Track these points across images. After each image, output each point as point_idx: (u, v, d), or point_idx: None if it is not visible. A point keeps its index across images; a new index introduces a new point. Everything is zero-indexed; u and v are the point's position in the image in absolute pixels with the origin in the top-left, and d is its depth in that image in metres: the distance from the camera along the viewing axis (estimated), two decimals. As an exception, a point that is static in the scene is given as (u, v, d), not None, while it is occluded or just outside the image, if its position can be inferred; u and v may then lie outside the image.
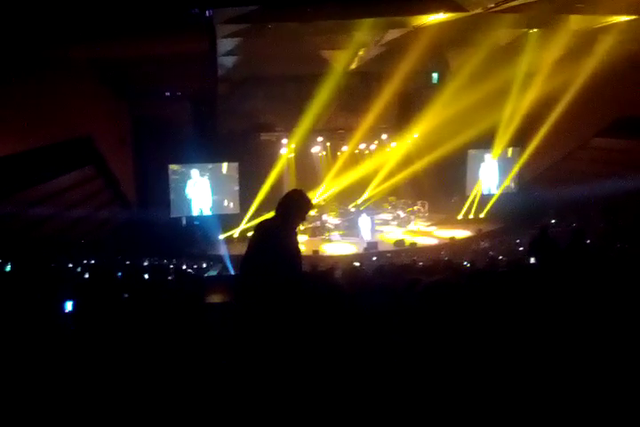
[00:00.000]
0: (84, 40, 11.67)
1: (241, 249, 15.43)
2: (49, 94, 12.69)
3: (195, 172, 19.07)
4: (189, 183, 19.01)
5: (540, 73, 16.87)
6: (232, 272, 13.04)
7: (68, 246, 12.81)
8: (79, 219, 13.97)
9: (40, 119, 12.36)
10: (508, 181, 21.34)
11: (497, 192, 21.26)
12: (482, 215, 20.86)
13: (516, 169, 21.04)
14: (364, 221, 18.60)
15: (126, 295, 6.98)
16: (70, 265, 10.11)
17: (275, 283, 3.71)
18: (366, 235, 18.36)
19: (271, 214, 4.00)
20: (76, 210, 13.74)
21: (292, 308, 3.68)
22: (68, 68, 13.31)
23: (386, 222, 20.83)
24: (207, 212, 19.21)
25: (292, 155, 20.53)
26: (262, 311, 3.66)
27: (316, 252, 16.24)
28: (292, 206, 3.86)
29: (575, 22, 14.26)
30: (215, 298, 7.25)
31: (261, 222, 4.06)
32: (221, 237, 17.97)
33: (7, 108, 11.18)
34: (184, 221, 19.06)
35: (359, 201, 20.72)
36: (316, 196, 19.82)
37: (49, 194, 12.82)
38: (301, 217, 3.92)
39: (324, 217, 19.75)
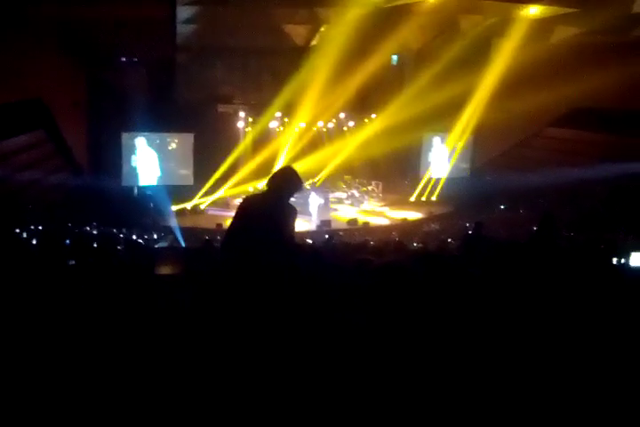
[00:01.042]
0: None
1: (194, 221, 15.38)
2: (2, 53, 12.31)
3: (141, 141, 18.67)
4: (138, 152, 18.65)
5: (498, 60, 17.17)
6: (182, 244, 13.00)
7: (15, 211, 12.52)
8: (28, 183, 13.66)
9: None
10: (452, 165, 21.75)
11: (449, 176, 21.67)
12: (434, 198, 21.27)
13: (457, 153, 21.48)
14: (313, 200, 18.58)
15: (73, 262, 6.91)
16: (17, 231, 9.92)
17: (271, 255, 3.76)
18: (314, 214, 18.42)
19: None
20: (25, 174, 13.40)
21: (277, 280, 3.74)
22: (24, 27, 12.90)
23: (340, 201, 20.96)
24: (160, 182, 18.93)
25: (250, 129, 20.41)
26: (244, 284, 3.70)
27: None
28: (285, 182, 3.89)
29: (530, 12, 14.62)
30: (165, 269, 7.27)
31: (252, 197, 4.07)
32: (173, 208, 17.77)
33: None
34: (136, 191, 18.78)
35: (315, 179, 20.74)
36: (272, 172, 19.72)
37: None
38: (293, 193, 3.96)
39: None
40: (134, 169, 18.67)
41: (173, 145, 19.19)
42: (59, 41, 15.39)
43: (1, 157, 12.62)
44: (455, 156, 21.54)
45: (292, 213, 3.93)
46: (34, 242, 8.80)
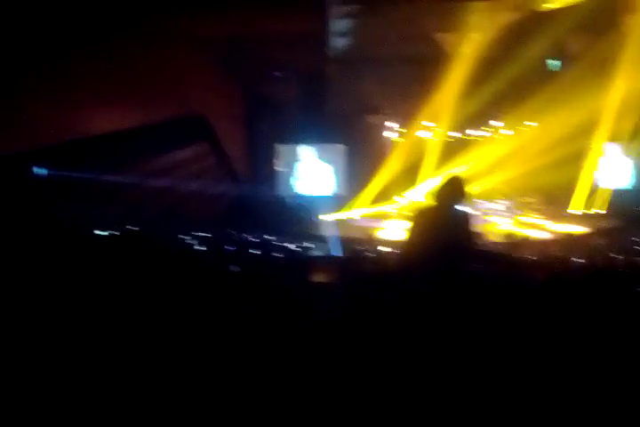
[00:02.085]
0: (197, 13, 12.01)
1: (345, 231, 15.54)
2: (169, 71, 13.25)
3: (295, 152, 19.36)
4: (291, 163, 19.36)
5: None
6: (335, 253, 13.19)
7: (182, 219, 13.42)
8: (192, 193, 14.57)
9: (159, 95, 12.94)
10: (622, 175, 20.09)
11: (618, 187, 20.04)
12: (600, 211, 19.73)
13: (628, 162, 19.73)
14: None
15: (237, 269, 7.22)
16: (184, 237, 10.59)
17: (457, 265, 3.76)
18: None
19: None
20: (191, 184, 14.32)
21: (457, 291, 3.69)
22: (187, 45, 13.81)
23: (496, 213, 20.11)
24: (312, 192, 19.47)
25: (398, 139, 20.37)
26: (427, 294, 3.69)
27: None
28: (455, 191, 3.89)
29: None
30: (319, 277, 7.40)
31: (426, 210, 4.09)
32: (326, 218, 18.16)
33: (131, 83, 11.79)
34: (289, 200, 19.44)
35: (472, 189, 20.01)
36: (422, 183, 19.65)
37: (165, 168, 13.44)
38: (461, 201, 3.96)
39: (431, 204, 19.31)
40: (289, 179, 19.38)
41: (325, 156, 19.62)
42: (218, 58, 16.33)
43: (170, 169, 13.57)
44: (626, 165, 19.93)
45: (467, 219, 3.87)
46: (200, 248, 9.35)
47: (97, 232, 9.06)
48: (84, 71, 10.22)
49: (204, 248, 9.07)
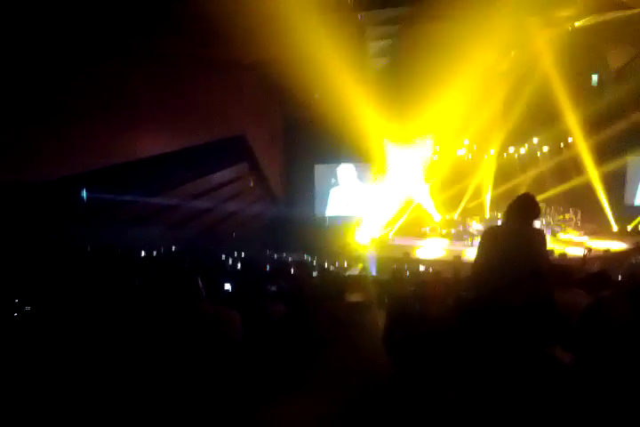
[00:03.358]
0: (238, 40, 12.25)
1: (383, 250, 15.34)
2: (212, 95, 13.57)
3: (339, 171, 19.48)
4: (328, 183, 19.48)
5: None
6: (372, 273, 13.18)
7: (221, 239, 13.62)
8: (232, 213, 14.80)
9: (203, 118, 13.25)
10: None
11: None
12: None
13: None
14: None
15: (274, 288, 7.27)
16: (223, 256, 10.74)
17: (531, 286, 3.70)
18: None
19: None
20: (231, 204, 14.55)
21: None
22: (228, 69, 14.12)
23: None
24: (350, 212, 19.52)
25: (437, 157, 20.28)
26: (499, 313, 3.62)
27: (457, 257, 15.87)
28: (528, 209, 3.84)
29: None
30: (355, 297, 7.41)
31: (497, 228, 4.04)
32: (362, 237, 18.18)
33: (175, 107, 12.12)
34: (327, 220, 19.53)
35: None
36: (463, 201, 19.49)
37: (206, 188, 13.70)
38: (534, 219, 3.89)
39: (468, 222, 19.28)
40: (325, 199, 19.51)
41: (363, 175, 19.69)
42: (257, 81, 16.61)
43: (211, 189, 13.84)
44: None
45: (542, 238, 3.80)
46: (238, 267, 9.46)
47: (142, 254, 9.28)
48: (130, 97, 10.53)
49: (241, 268, 9.18)
